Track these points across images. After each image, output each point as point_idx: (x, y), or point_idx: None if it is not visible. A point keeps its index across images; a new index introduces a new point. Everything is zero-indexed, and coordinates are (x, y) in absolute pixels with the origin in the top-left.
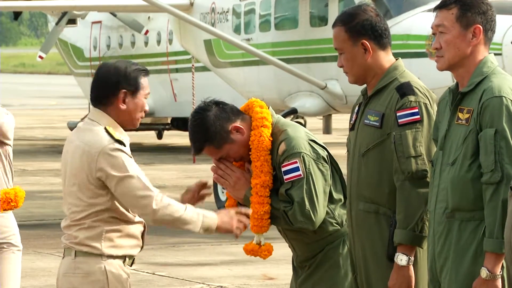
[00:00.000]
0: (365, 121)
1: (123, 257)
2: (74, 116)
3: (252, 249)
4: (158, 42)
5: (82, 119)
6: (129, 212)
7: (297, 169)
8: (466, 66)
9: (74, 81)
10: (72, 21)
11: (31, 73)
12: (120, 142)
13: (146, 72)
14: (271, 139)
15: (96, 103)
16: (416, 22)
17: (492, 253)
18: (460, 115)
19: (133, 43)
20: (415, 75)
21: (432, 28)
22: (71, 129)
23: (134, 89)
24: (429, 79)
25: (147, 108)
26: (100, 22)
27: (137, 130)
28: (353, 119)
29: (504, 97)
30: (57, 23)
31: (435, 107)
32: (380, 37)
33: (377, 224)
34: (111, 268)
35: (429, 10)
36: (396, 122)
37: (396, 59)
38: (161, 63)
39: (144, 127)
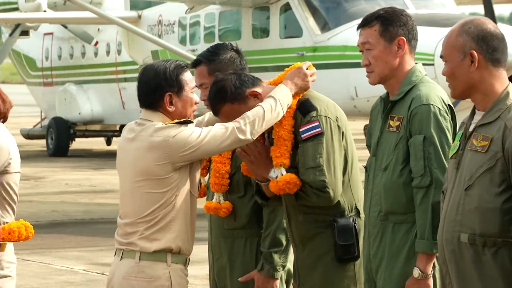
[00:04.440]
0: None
1: (185, 260)
2: (26, 124)
3: (215, 207)
4: (108, 52)
5: (35, 126)
6: (192, 211)
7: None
8: (396, 76)
9: (26, 90)
10: (25, 33)
11: None
12: (183, 122)
13: (186, 66)
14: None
15: (146, 107)
16: (353, 34)
17: (423, 254)
18: (391, 122)
19: (83, 54)
20: (353, 85)
21: (358, 46)
22: (24, 135)
23: (177, 89)
24: (367, 89)
25: (197, 99)
26: (51, 33)
27: (87, 137)
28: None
29: (432, 104)
30: (10, 35)
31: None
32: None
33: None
34: (175, 274)
35: None
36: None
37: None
38: (110, 72)
39: (94, 133)
